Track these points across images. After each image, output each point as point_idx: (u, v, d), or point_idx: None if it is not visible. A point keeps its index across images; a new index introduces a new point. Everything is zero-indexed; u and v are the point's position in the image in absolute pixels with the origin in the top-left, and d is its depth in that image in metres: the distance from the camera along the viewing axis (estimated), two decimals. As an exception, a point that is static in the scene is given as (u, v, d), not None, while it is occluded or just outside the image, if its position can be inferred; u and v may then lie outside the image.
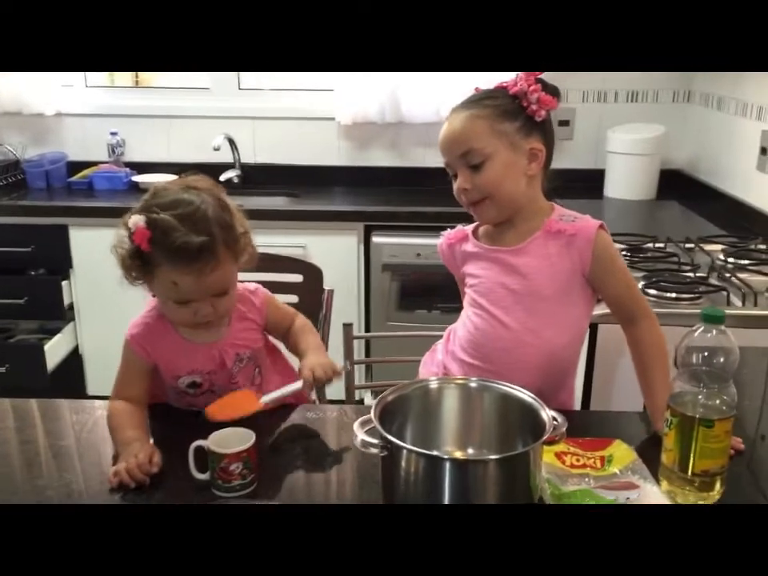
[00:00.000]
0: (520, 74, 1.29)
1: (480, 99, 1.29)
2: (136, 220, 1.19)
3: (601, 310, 1.45)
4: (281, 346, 1.50)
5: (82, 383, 2.92)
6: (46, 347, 2.72)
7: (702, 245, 2.12)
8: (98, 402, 1.36)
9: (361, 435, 0.99)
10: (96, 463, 1.19)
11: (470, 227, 1.40)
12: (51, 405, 1.38)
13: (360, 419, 1.02)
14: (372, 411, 1.01)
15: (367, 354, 2.77)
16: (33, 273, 2.83)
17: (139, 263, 1.21)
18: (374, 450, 0.99)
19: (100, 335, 2.85)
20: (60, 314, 2.82)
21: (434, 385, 1.13)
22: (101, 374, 2.89)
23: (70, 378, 2.88)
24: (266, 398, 1.25)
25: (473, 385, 1.11)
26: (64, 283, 2.79)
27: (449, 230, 1.44)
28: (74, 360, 2.89)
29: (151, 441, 1.20)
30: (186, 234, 1.17)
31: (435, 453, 1.02)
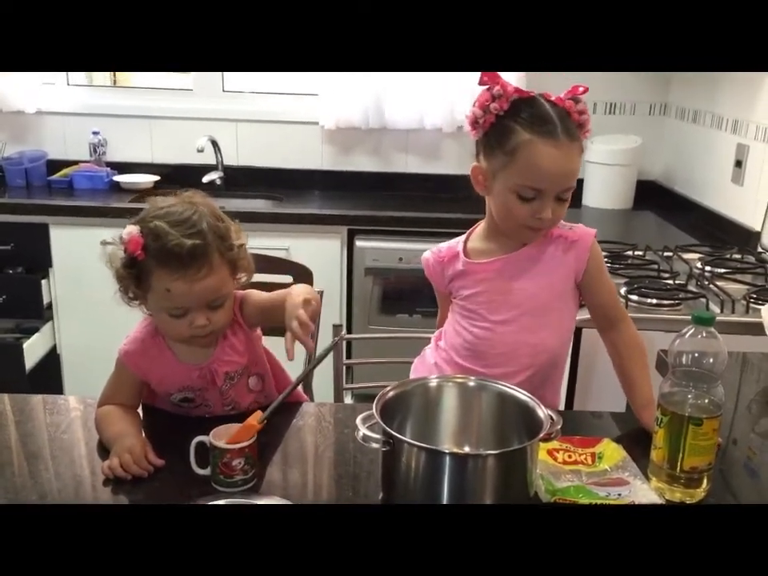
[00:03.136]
0: (576, 99, 1.25)
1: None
2: (130, 230, 1.20)
3: (585, 314, 1.49)
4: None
5: (59, 383, 2.90)
6: (25, 346, 2.69)
7: (680, 253, 2.18)
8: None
9: (363, 430, 1.01)
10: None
11: (459, 245, 1.38)
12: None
13: (362, 415, 1.04)
14: (374, 407, 1.04)
15: (347, 358, 2.77)
16: (11, 271, 2.79)
17: (133, 273, 1.21)
18: (376, 445, 1.01)
19: (79, 335, 2.84)
20: (38, 313, 2.79)
21: (433, 383, 1.15)
22: (78, 374, 2.87)
23: (47, 378, 2.85)
24: (264, 416, 1.15)
25: (471, 384, 1.14)
26: (43, 282, 2.76)
27: (439, 246, 1.41)
28: (51, 360, 2.86)
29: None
30: (178, 238, 1.18)
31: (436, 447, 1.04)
